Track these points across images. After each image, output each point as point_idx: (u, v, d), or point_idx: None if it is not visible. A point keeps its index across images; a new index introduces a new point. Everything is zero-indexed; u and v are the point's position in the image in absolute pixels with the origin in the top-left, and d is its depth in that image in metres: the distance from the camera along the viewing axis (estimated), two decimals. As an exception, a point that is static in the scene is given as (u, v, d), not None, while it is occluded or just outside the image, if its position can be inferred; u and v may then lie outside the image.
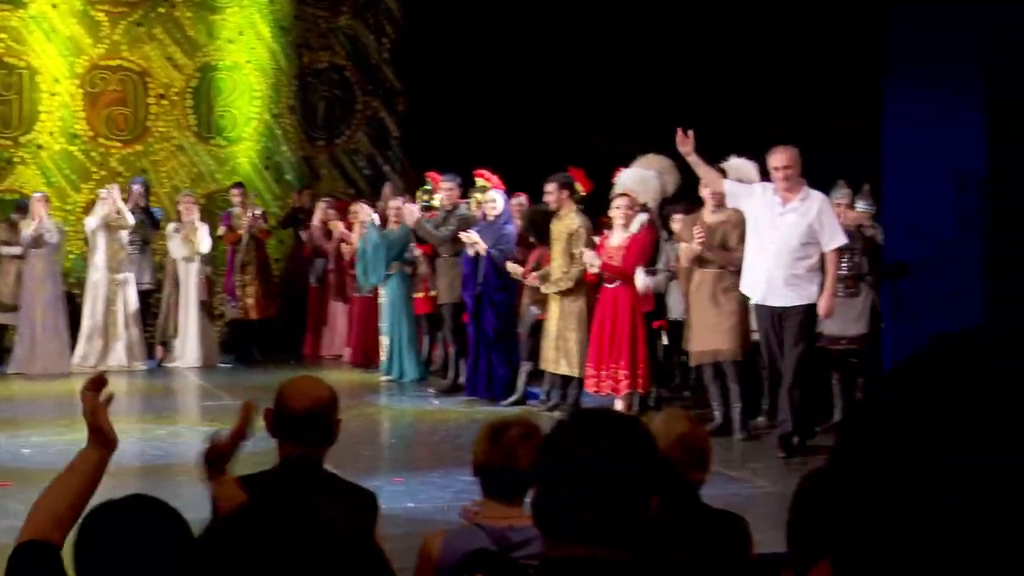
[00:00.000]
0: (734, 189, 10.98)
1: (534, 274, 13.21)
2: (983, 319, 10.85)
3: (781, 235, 10.64)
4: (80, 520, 3.20)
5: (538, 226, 13.57)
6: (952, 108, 11.11)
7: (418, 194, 16.05)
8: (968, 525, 1.01)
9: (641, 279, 12.66)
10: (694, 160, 10.93)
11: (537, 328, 13.40)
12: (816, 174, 10.98)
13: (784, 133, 12.87)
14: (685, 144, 10.83)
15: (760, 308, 10.95)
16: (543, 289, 13.00)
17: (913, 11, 11.34)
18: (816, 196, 10.67)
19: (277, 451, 4.72)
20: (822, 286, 10.68)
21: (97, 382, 3.65)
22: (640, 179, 12.93)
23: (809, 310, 10.70)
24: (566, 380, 12.93)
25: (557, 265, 12.91)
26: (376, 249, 15.77)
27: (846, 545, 1.07)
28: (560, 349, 12.83)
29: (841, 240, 10.65)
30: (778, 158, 10.63)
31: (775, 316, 10.74)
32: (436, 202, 15.25)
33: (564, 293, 12.84)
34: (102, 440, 3.59)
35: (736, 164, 12.05)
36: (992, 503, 1.01)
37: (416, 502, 9.10)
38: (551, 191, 13.01)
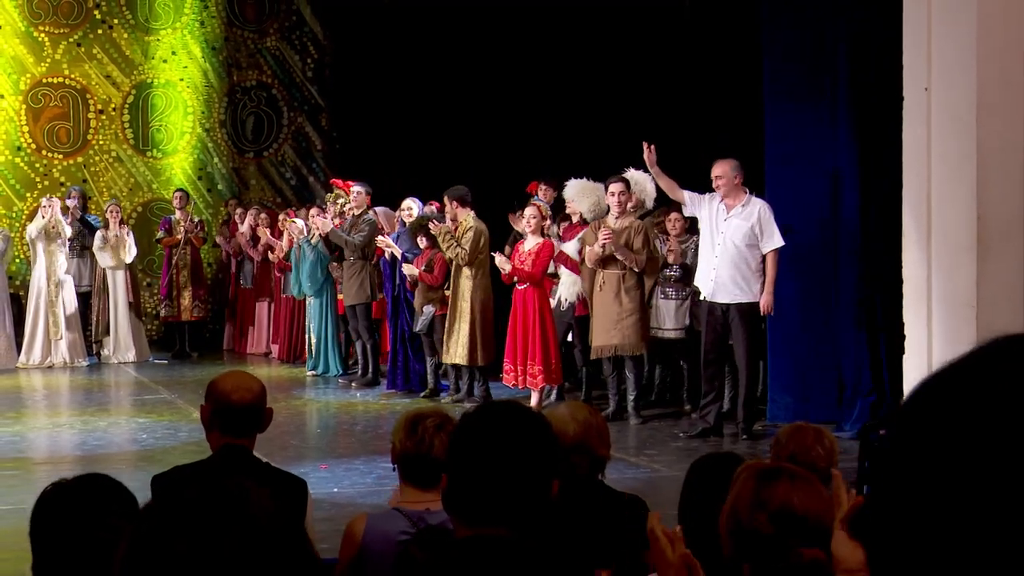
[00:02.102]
0: (691, 198, 11.16)
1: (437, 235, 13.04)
2: (856, 311, 11.01)
3: (726, 238, 10.86)
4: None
5: (425, 232, 13.39)
6: (825, 120, 11.26)
7: (328, 198, 15.95)
8: None
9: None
10: (656, 172, 11.18)
11: (434, 325, 13.34)
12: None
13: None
14: (649, 156, 11.05)
15: (707, 304, 11.07)
16: (449, 254, 12.81)
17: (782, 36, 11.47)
18: (757, 202, 10.90)
19: (208, 442, 4.67)
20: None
21: None
22: (584, 190, 12.79)
23: (753, 307, 10.89)
24: (469, 372, 12.91)
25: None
26: (312, 265, 15.68)
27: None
28: (455, 342, 12.82)
29: (779, 242, 10.80)
30: (714, 169, 10.93)
31: (721, 312, 10.89)
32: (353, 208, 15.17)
33: (457, 291, 12.78)
34: None
35: (633, 175, 12.11)
36: None
37: (341, 487, 9.10)
38: (447, 203, 13.08)
